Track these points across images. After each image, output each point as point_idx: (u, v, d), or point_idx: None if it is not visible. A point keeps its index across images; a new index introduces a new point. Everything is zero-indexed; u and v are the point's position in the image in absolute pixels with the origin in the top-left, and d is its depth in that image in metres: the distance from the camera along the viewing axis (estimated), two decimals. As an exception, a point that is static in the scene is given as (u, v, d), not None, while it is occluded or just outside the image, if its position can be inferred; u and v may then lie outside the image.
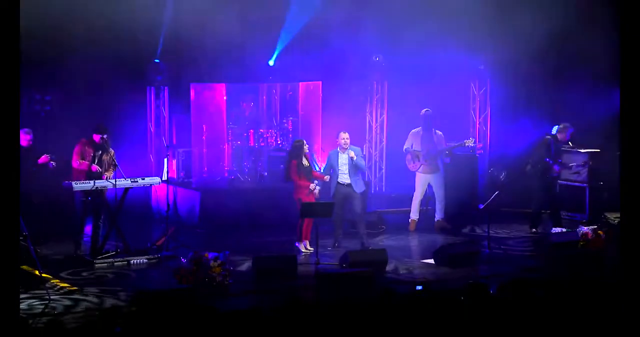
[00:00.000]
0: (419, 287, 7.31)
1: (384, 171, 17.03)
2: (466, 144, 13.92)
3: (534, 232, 13.42)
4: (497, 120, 16.62)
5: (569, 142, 13.85)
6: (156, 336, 6.55)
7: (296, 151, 12.05)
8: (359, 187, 12.17)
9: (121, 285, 10.25)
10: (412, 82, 16.17)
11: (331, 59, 15.50)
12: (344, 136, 12.11)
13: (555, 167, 13.28)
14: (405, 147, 13.79)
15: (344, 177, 12.12)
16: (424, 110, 13.77)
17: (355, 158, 12.00)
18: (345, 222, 12.97)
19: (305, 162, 12.04)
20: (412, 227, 13.83)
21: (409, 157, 13.74)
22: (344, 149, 12.12)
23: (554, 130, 13.50)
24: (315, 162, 13.47)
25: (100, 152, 11.41)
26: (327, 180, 12.10)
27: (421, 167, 13.66)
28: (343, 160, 12.11)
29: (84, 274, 10.77)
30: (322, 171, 12.50)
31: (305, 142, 12.26)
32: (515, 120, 15.98)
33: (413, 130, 13.83)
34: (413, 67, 15.86)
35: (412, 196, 13.84)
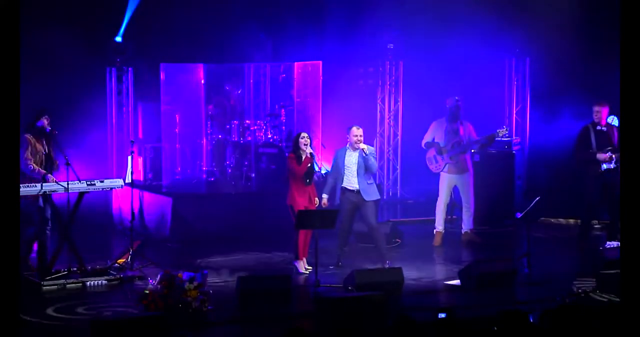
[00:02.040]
0: (442, 315, 7.31)
1: (398, 171, 17.06)
2: (500, 134, 13.78)
3: (583, 247, 13.39)
4: (537, 109, 16.58)
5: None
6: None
7: (294, 145, 12.03)
8: (370, 195, 12.09)
9: (74, 312, 10.17)
10: (432, 62, 16.16)
11: (334, 33, 15.48)
12: (357, 133, 12.02)
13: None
14: (424, 141, 13.75)
15: (352, 181, 12.03)
16: (451, 100, 13.68)
17: (367, 150, 11.92)
18: (352, 236, 12.92)
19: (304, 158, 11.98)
20: (437, 241, 13.77)
21: (431, 153, 13.67)
22: (355, 149, 12.05)
23: (611, 120, 13.44)
24: (316, 162, 13.45)
25: (47, 145, 11.40)
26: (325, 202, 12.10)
27: (446, 167, 13.62)
28: (353, 159, 12.03)
29: (28, 299, 10.73)
30: (324, 174, 12.39)
31: (307, 135, 12.11)
32: (560, 109, 15.94)
33: (436, 121, 13.79)
34: (433, 44, 15.83)
35: (435, 202, 13.81)
